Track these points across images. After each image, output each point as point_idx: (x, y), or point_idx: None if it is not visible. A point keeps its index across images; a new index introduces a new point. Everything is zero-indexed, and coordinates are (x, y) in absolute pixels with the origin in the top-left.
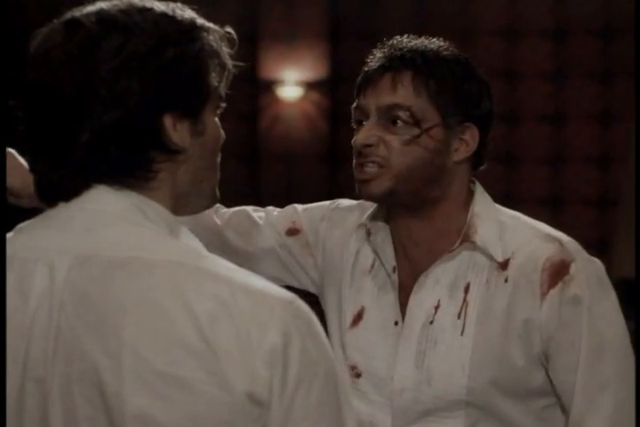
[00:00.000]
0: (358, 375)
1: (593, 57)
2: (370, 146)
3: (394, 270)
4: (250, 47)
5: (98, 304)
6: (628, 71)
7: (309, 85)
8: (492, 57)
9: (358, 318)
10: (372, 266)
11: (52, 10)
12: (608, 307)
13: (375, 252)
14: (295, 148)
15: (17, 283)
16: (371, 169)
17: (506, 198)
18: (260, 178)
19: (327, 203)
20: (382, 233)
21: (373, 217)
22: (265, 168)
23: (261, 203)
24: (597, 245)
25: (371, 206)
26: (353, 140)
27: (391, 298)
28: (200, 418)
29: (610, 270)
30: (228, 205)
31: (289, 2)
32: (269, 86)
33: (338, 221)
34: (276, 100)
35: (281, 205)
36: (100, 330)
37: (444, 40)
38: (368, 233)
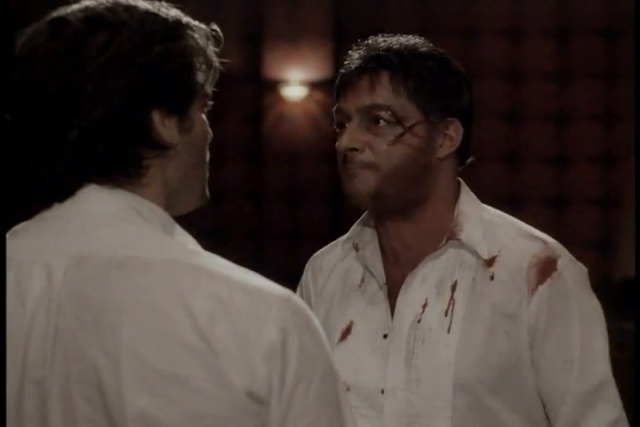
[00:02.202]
0: (347, 390)
1: (597, 57)
2: (355, 150)
3: (385, 283)
4: (254, 47)
5: (95, 304)
6: (632, 71)
7: (313, 85)
8: (496, 57)
9: (347, 332)
10: (363, 280)
11: (52, 10)
12: (593, 306)
13: (365, 266)
14: (299, 147)
15: (14, 285)
16: (358, 172)
17: (509, 198)
18: (264, 177)
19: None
20: (371, 246)
21: (360, 230)
22: (269, 167)
23: (265, 202)
24: (601, 245)
25: (343, 239)
26: (337, 144)
27: (381, 309)
28: (200, 416)
29: (613, 270)
30: (231, 204)
31: (293, 1)
32: (273, 86)
33: (318, 261)
34: (281, 99)
35: (284, 203)
36: (97, 330)
37: (447, 40)
38: (356, 248)
